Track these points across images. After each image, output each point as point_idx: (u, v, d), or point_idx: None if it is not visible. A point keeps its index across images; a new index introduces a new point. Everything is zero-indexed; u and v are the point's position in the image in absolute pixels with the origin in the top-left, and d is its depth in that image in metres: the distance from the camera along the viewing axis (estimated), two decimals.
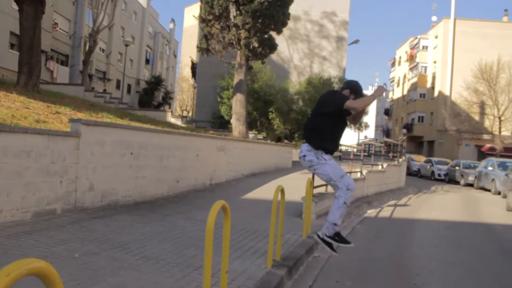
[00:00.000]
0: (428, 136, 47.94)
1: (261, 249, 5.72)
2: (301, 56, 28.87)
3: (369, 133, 67.20)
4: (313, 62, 28.78)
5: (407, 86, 55.33)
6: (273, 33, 16.75)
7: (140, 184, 9.23)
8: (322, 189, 9.95)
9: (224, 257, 3.66)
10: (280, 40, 27.84)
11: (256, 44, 15.44)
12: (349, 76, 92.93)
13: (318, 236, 4.97)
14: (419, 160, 34.88)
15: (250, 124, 22.91)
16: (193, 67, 31.30)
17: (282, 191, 5.39)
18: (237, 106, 16.26)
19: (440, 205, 14.46)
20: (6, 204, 6.33)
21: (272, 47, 16.52)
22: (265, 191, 11.73)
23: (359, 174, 13.66)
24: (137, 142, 9.04)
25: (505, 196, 15.65)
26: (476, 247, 7.82)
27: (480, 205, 15.57)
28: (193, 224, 7.26)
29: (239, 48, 15.81)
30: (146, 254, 5.17)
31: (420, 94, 50.74)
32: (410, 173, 33.36)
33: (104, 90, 36.28)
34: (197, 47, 17.10)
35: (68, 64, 35.90)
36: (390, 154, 18.88)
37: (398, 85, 61.24)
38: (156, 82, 48.84)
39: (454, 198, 17.46)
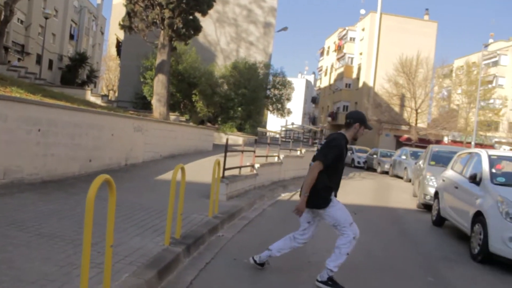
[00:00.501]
0: None
1: (164, 228, 5.78)
2: (228, 40, 28.88)
3: (297, 120, 68.88)
4: (240, 47, 28.91)
5: (334, 75, 57.15)
6: (198, 15, 16.64)
7: (49, 162, 8.94)
8: (235, 171, 10.16)
9: (109, 231, 3.70)
10: (207, 22, 27.68)
11: (180, 25, 15.27)
12: (275, 62, 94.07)
13: (317, 280, 4.77)
14: None
15: (173, 106, 22.68)
16: (118, 45, 30.35)
17: (183, 169, 5.48)
18: (159, 87, 16.05)
19: (355, 190, 15.21)
20: None
21: (197, 28, 16.42)
22: (200, 174, 11.80)
23: (276, 158, 14.04)
24: (46, 118, 8.72)
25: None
26: (378, 229, 8.38)
27: (391, 191, 16.59)
28: (99, 203, 7.15)
29: (162, 28, 15.56)
30: (41, 232, 5.08)
31: (346, 84, 52.65)
32: None
33: (20, 63, 34.26)
34: (119, 24, 16.61)
35: None
36: (310, 140, 19.53)
37: (325, 74, 63.08)
38: (80, 59, 46.62)
39: (369, 184, 18.44)
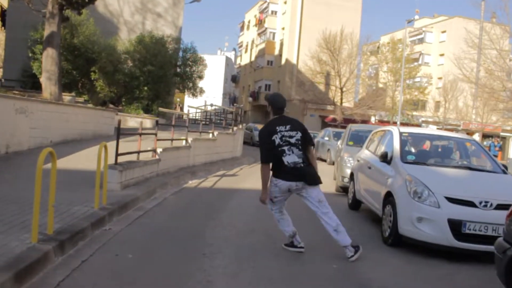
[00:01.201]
0: None
1: (30, 222, 5.47)
2: (133, 10, 27.88)
3: (217, 100, 68.71)
4: (146, 19, 28.03)
5: (255, 52, 57.46)
6: None
7: None
8: (133, 157, 9.88)
9: None
10: None
11: None
12: (190, 38, 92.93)
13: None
14: None
15: (69, 85, 21.61)
16: (3, 14, 28.33)
17: (52, 153, 5.19)
18: (48, 63, 15.16)
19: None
20: None
21: None
22: (75, 160, 11.28)
23: (184, 142, 13.86)
24: None
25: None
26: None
27: None
28: None
29: None
30: None
31: (268, 61, 53.15)
32: (253, 143, 35.05)
33: None
34: None
35: None
36: (223, 122, 19.50)
37: (246, 51, 63.27)
38: None
39: None
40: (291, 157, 5.63)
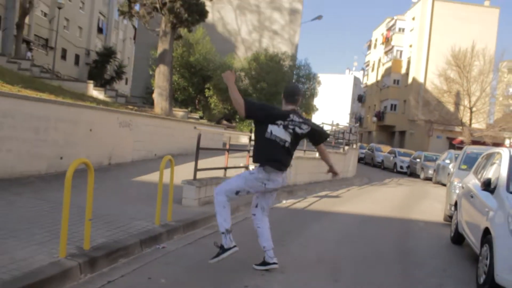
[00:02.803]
0: (400, 126, 48.10)
1: (81, 235, 5.17)
2: (250, 29, 28.13)
3: (345, 120, 67.23)
4: (263, 36, 28.09)
5: (381, 71, 55.37)
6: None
7: (4, 158, 8.57)
8: (213, 173, 9.45)
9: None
10: (226, 10, 27.21)
11: (181, 9, 14.74)
12: (316, 57, 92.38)
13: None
14: (386, 150, 34.66)
15: (186, 102, 22.17)
16: (135, 36, 30.29)
17: (88, 164, 4.85)
18: (160, 79, 15.60)
19: (377, 198, 14.17)
20: None
21: (202, 13, 15.83)
22: (168, 174, 11.20)
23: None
24: None
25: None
26: (376, 246, 7.38)
27: (423, 200, 15.40)
28: (33, 205, 6.67)
29: (163, 13, 15.11)
30: None
31: (394, 80, 50.81)
32: (374, 164, 33.40)
33: (32, 56, 34.98)
34: (118, 10, 16.31)
35: (0, 27, 34.36)
36: (332, 141, 18.55)
37: (372, 70, 61.30)
38: (107, 54, 47.45)
39: (400, 192, 17.27)
40: (277, 130, 5.09)
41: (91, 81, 18.64)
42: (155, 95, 15.94)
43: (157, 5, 15.01)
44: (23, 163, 8.99)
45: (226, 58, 24.20)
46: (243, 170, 10.79)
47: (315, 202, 11.62)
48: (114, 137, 11.77)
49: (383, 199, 14.19)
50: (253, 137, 12.10)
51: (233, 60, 24.67)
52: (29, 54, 33.70)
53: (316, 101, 27.68)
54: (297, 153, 14.55)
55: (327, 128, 24.05)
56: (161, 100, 15.51)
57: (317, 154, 15.82)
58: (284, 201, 11.20)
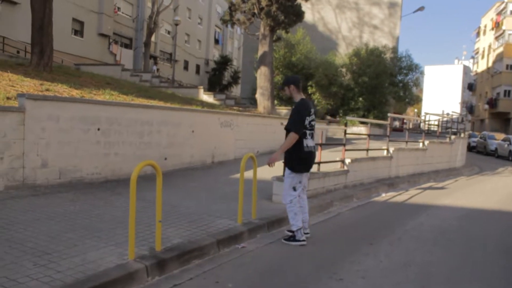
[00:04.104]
0: None
1: (163, 235, 4.87)
2: (350, 26, 26.76)
3: (454, 110, 62.29)
4: (363, 32, 26.57)
5: (492, 57, 50.15)
6: (302, 1, 15.42)
7: (112, 161, 8.74)
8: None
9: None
10: (326, 10, 26.24)
11: (278, 12, 14.27)
12: (406, 46, 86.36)
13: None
14: (500, 138, 31.09)
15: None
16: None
17: (155, 167, 4.50)
18: (262, 80, 15.27)
19: (486, 189, 12.46)
20: None
21: (298, 14, 15.20)
22: (267, 171, 10.78)
23: (385, 152, 12.18)
24: (105, 117, 8.53)
25: None
26: (473, 245, 6.21)
27: None
28: (128, 204, 6.56)
29: (261, 17, 14.75)
30: (8, 237, 4.58)
31: (507, 66, 45.65)
32: (487, 153, 30.19)
33: (157, 69, 36.77)
34: (221, 19, 16.28)
35: (132, 47, 36.76)
36: (437, 131, 16.83)
37: (482, 57, 55.78)
38: (223, 62, 48.72)
39: None
40: (310, 141, 5.54)
41: (201, 87, 18.97)
42: (257, 95, 15.71)
43: (255, 11, 14.73)
44: (129, 165, 9.10)
45: (328, 55, 23.32)
46: (338, 165, 10.05)
47: (416, 195, 10.45)
48: (216, 137, 11.64)
49: (493, 190, 12.46)
50: (347, 131, 11.26)
51: (334, 57, 23.73)
52: (154, 67, 35.60)
53: (425, 92, 25.61)
54: (398, 144, 13.44)
55: (434, 118, 22.17)
56: (263, 100, 15.22)
57: (420, 145, 14.48)
58: (383, 194, 10.22)
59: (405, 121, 28.98)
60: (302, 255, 5.16)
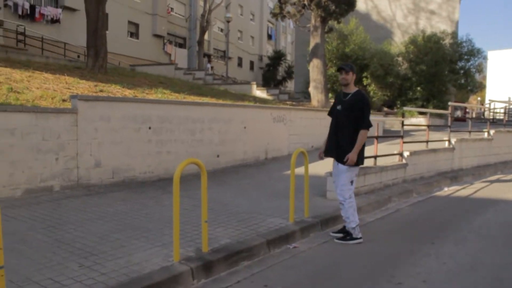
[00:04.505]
0: None
1: (213, 235, 4.69)
2: (405, 13, 25.52)
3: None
4: (419, 18, 25.26)
5: None
6: None
7: (165, 159, 8.73)
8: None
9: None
10: None
11: (328, 2, 13.79)
12: (468, 30, 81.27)
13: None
14: None
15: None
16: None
17: (199, 165, 4.33)
18: (314, 72, 14.86)
19: None
20: None
21: (350, 3, 14.63)
22: (320, 166, 10.42)
23: (446, 143, 11.47)
24: (156, 115, 8.53)
25: None
26: None
27: None
28: (180, 202, 6.44)
29: (311, 9, 14.33)
30: (58, 237, 4.58)
31: None
32: None
33: (215, 67, 37.02)
34: (271, 13, 16.00)
35: (186, 46, 37.27)
36: (504, 119, 15.72)
37: None
38: (277, 57, 48.45)
39: None
40: None
41: (254, 82, 18.81)
42: (310, 89, 15.32)
43: (305, 2, 14.33)
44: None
45: (383, 45, 22.42)
46: (396, 158, 9.53)
47: (482, 189, 9.73)
48: (269, 132, 11.41)
49: None
50: (405, 122, 10.68)
51: (390, 46, 22.76)
52: (208, 65, 35.89)
53: (489, 79, 24.13)
54: (461, 135, 12.65)
55: (499, 106, 20.86)
56: (317, 93, 14.82)
57: (485, 134, 13.57)
58: (445, 189, 9.60)
59: (467, 110, 27.44)
60: (357, 256, 4.82)
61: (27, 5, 23.41)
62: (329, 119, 5.60)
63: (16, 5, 22.95)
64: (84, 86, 10.56)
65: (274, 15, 16.02)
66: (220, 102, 10.62)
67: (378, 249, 5.09)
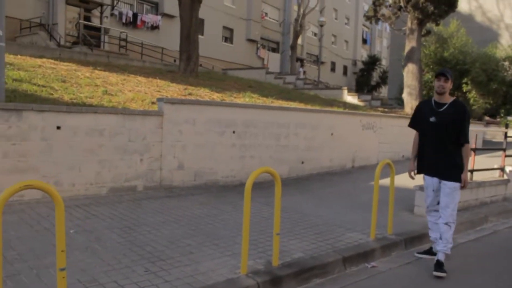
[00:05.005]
0: None
1: (285, 248, 4.45)
2: None
3: None
4: None
5: None
6: None
7: (248, 164, 8.64)
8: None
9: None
10: None
11: (426, 3, 12.89)
12: None
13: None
14: None
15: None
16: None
17: (273, 174, 4.08)
18: (409, 78, 13.99)
19: None
20: (78, 179, 6.60)
21: (450, 4, 13.55)
22: (409, 178, 9.71)
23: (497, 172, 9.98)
24: (241, 119, 8.47)
25: None
26: None
27: None
28: (257, 210, 6.30)
29: (407, 10, 13.51)
30: (134, 239, 4.59)
31: None
32: None
33: (304, 72, 36.72)
34: (364, 16, 15.37)
35: (279, 51, 37.42)
36: None
37: None
38: (371, 62, 47.05)
39: None
40: None
41: (345, 87, 18.23)
42: (404, 95, 14.47)
43: (401, 4, 13.57)
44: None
45: (487, 48, 20.61)
46: (497, 173, 8.58)
47: None
48: (357, 140, 10.91)
49: None
50: (509, 133, 9.61)
51: (495, 49, 20.84)
52: (300, 70, 35.73)
53: None
54: None
55: None
56: (411, 100, 13.95)
57: None
58: None
59: None
60: (443, 284, 4.29)
61: (130, 14, 24.89)
62: None
63: (121, 14, 24.49)
64: (174, 89, 10.83)
65: (368, 18, 15.40)
66: (306, 108, 10.34)
67: (468, 278, 4.50)
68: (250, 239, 4.84)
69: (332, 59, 45.07)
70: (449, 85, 4.64)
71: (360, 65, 48.81)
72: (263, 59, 34.57)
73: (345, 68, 48.29)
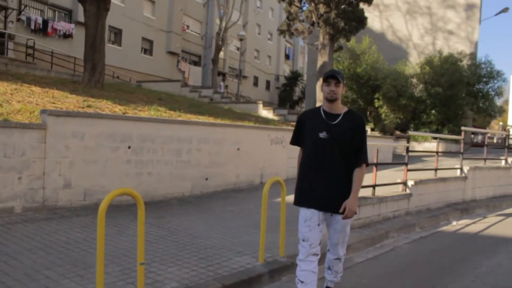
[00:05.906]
0: None
1: (154, 278, 3.99)
2: (422, 33, 24.63)
3: None
4: (437, 38, 24.33)
5: None
6: (363, 5, 14.14)
7: (145, 181, 8.09)
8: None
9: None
10: (396, 16, 24.54)
11: (337, 19, 13.12)
12: (489, 52, 79.10)
13: None
14: None
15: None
16: None
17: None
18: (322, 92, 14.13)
19: None
20: None
21: (360, 20, 13.93)
22: None
23: (458, 171, 10.58)
24: (137, 134, 7.92)
25: None
26: None
27: None
28: (146, 232, 5.75)
29: (319, 25, 13.69)
30: None
31: None
32: None
33: (226, 86, 36.73)
34: (278, 30, 15.44)
35: (201, 64, 37.03)
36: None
37: None
38: (294, 77, 47.97)
39: None
40: None
41: (261, 101, 18.13)
42: None
43: (314, 19, 13.72)
44: (165, 185, 8.42)
45: (397, 65, 21.57)
46: (400, 187, 8.71)
47: (496, 224, 8.80)
48: (265, 155, 10.71)
49: None
50: (418, 147, 9.78)
51: (404, 66, 21.90)
52: (221, 84, 35.51)
53: (511, 103, 22.99)
54: (476, 162, 11.73)
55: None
56: None
57: (502, 163, 12.60)
58: (454, 223, 8.72)
59: (489, 135, 26.28)
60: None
61: (40, 20, 23.41)
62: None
63: (29, 19, 22.95)
64: (71, 101, 10.03)
65: (282, 32, 15.46)
66: (210, 121, 9.96)
67: None
68: (124, 267, 4.36)
69: (255, 73, 45.38)
70: (341, 90, 3.72)
71: (282, 80, 49.57)
72: (184, 72, 33.99)
73: (267, 83, 48.82)
